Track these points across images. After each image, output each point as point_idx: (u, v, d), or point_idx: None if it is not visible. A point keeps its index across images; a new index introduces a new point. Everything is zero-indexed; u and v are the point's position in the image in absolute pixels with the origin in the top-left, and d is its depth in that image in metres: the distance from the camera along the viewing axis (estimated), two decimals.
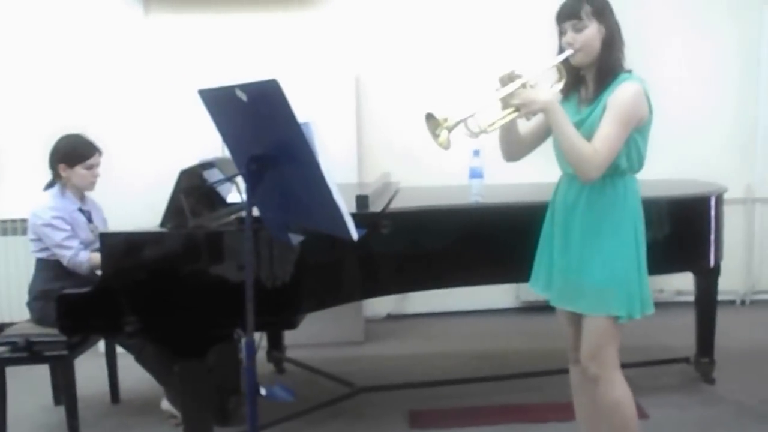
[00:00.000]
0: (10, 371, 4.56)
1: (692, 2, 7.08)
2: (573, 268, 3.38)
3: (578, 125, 3.27)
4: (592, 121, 3.27)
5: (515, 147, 3.55)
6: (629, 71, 3.33)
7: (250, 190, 2.84)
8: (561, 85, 3.41)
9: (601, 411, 3.47)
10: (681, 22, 7.05)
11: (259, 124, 2.80)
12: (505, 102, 3.27)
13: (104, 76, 6.25)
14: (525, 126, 3.49)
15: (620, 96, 3.22)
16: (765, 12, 7.10)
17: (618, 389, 3.41)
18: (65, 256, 4.60)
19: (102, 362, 5.23)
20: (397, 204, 4.52)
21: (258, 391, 2.84)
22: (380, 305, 6.94)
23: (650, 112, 3.31)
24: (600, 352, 3.39)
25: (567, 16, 3.29)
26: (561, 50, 3.32)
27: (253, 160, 2.81)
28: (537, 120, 3.44)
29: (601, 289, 3.31)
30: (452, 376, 5.41)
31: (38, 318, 4.63)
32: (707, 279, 5.10)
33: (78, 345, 4.59)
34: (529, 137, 3.55)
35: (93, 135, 4.92)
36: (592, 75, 3.35)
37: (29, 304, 4.73)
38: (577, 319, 3.48)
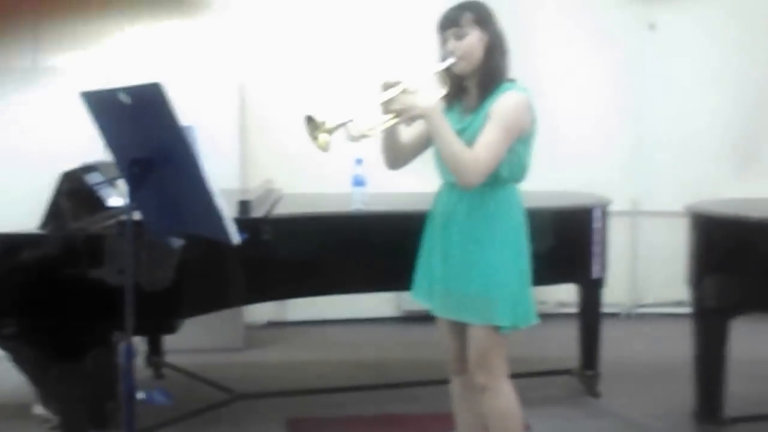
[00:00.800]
0: None
1: (582, 14, 7.19)
2: (453, 277, 3.35)
3: (460, 133, 3.25)
4: (474, 130, 3.24)
5: (397, 154, 3.51)
6: (513, 80, 3.33)
7: (132, 193, 2.82)
8: (442, 92, 3.39)
9: (487, 421, 3.45)
10: (571, 32, 7.16)
11: (141, 127, 2.78)
12: (386, 107, 3.23)
13: None
14: (407, 133, 3.47)
15: (503, 104, 3.21)
16: (652, 25, 7.25)
17: (505, 399, 3.40)
18: None
19: None
20: (279, 210, 4.53)
21: (135, 395, 2.81)
22: (260, 312, 6.91)
23: (534, 122, 3.30)
24: (487, 361, 3.37)
25: (448, 24, 3.28)
26: (443, 59, 3.31)
27: (134, 163, 2.79)
28: (419, 127, 3.40)
29: (483, 299, 3.28)
30: (331, 385, 5.40)
31: None
32: (591, 290, 5.13)
33: None
34: (411, 145, 3.52)
35: None
36: (475, 83, 3.34)
37: None
38: (458, 329, 3.45)
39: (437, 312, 3.51)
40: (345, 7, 7.00)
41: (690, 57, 7.23)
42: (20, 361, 4.59)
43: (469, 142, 3.21)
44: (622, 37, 7.28)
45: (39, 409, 4.70)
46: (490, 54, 3.28)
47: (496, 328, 3.30)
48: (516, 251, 3.34)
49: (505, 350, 3.40)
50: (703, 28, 7.23)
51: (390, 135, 3.42)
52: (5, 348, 4.63)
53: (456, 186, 3.32)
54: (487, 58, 3.28)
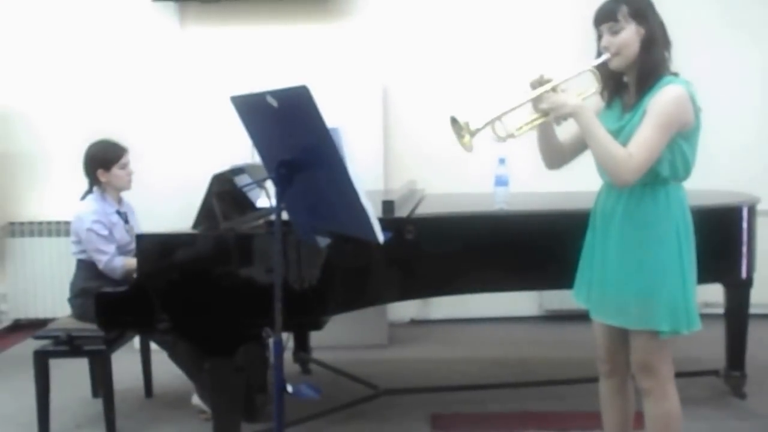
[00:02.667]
0: (53, 363, 4.62)
1: (735, 7, 6.96)
2: (611, 279, 3.24)
3: (619, 131, 3.14)
4: (632, 127, 3.11)
5: (554, 154, 3.42)
6: (675, 74, 3.17)
7: (279, 193, 2.85)
8: (592, 90, 3.28)
9: (649, 423, 3.33)
10: (723, 27, 6.94)
11: (288, 129, 2.81)
12: (534, 106, 3.18)
13: (142, 85, 6.35)
14: (565, 133, 3.37)
15: (660, 99, 3.06)
16: None
17: (669, 402, 3.28)
18: (101, 260, 4.68)
19: (137, 358, 5.30)
20: (422, 210, 4.53)
21: (285, 388, 2.86)
22: (404, 310, 6.96)
23: (697, 117, 3.12)
24: (651, 366, 3.26)
25: (603, 18, 3.15)
26: (599, 54, 3.19)
27: (282, 165, 2.83)
28: (577, 127, 3.24)
29: (642, 303, 3.16)
30: (474, 382, 5.40)
31: (79, 314, 4.71)
32: (739, 291, 4.96)
33: (115, 340, 4.66)
34: (569, 145, 3.41)
35: (130, 141, 5.05)
36: (633, 79, 3.20)
37: (70, 301, 4.81)
38: (614, 332, 3.36)
39: (594, 314, 3.41)
40: (489, 5, 6.97)
41: None
42: (175, 355, 4.76)
43: (627, 140, 3.09)
44: None
45: (196, 399, 4.84)
46: (647, 48, 3.11)
47: (656, 333, 3.18)
48: (677, 253, 3.17)
49: (669, 354, 3.27)
50: None
51: (545, 135, 3.35)
52: (161, 343, 4.81)
53: (614, 185, 3.22)
54: (644, 53, 3.12)
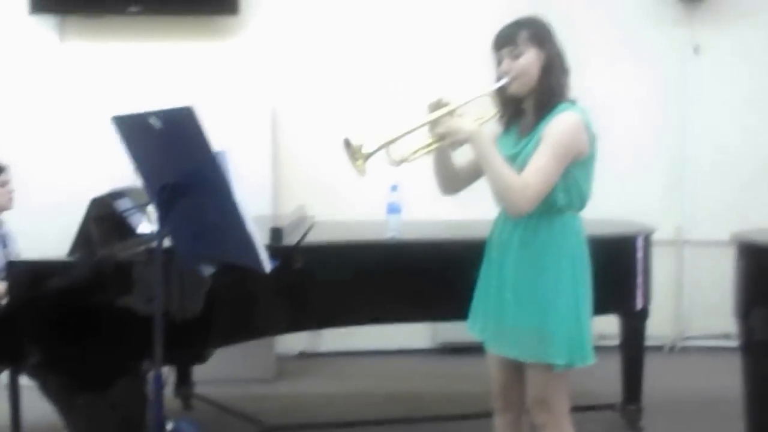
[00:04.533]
0: None
1: (625, 36, 7.11)
2: (506, 311, 3.26)
3: (514, 158, 3.17)
4: (526, 154, 3.15)
5: (450, 180, 3.44)
6: (572, 101, 3.23)
7: (162, 219, 2.83)
8: (489, 115, 3.31)
9: None
10: (613, 55, 7.07)
11: (172, 152, 2.79)
12: (431, 130, 3.19)
13: (19, 100, 6.26)
14: (462, 158, 3.39)
15: (555, 126, 3.11)
16: (696, 48, 7.17)
17: None
18: None
19: (4, 395, 5.12)
20: (312, 237, 4.53)
21: (164, 426, 2.81)
22: (292, 342, 6.91)
23: (592, 145, 3.18)
24: (546, 401, 3.29)
25: (503, 42, 3.19)
26: (498, 79, 3.21)
27: (165, 189, 2.80)
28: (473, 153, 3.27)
29: (537, 335, 3.19)
30: (365, 418, 5.38)
31: None
32: (635, 322, 5.06)
33: None
34: (466, 170, 3.43)
35: (10, 158, 4.93)
36: (532, 104, 3.24)
37: None
38: (509, 366, 3.39)
39: (489, 346, 3.44)
40: (384, 25, 6.99)
41: (734, 80, 7.16)
42: (47, 390, 4.62)
43: (522, 167, 3.13)
44: (666, 60, 7.21)
45: None
46: (547, 73, 3.17)
47: (551, 367, 3.21)
48: (571, 284, 3.22)
49: (565, 387, 3.32)
50: (747, 51, 7.15)
51: (441, 159, 3.37)
52: (32, 376, 4.66)
53: (510, 214, 3.25)
54: (543, 78, 3.18)
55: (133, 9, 6.52)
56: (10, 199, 4.80)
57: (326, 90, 6.93)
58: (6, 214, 4.91)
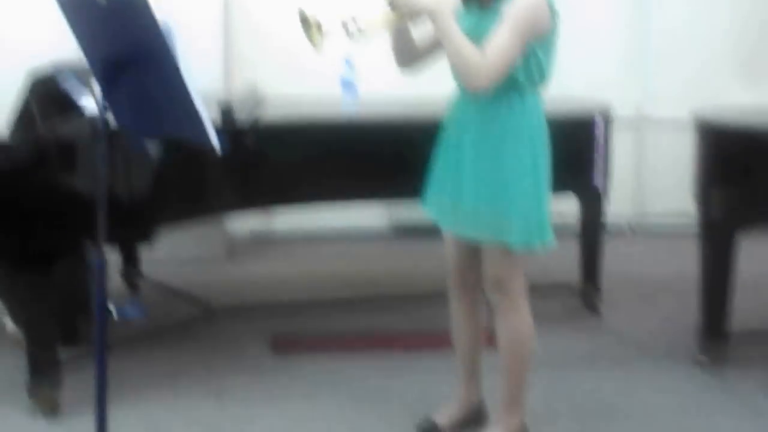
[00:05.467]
0: None
1: None
2: (464, 191, 3.28)
3: (473, 33, 3.13)
4: (486, 29, 3.12)
5: (408, 54, 3.41)
6: None
7: (105, 95, 2.76)
8: None
9: (499, 342, 3.42)
10: None
11: (116, 25, 2.70)
12: (391, 3, 3.14)
13: None
14: (421, 33, 3.35)
15: (517, 4, 3.09)
16: None
17: (520, 317, 3.38)
18: None
19: None
20: (264, 114, 4.45)
21: (107, 308, 2.79)
22: (245, 223, 6.88)
23: (553, 21, 3.17)
24: (502, 281, 3.34)
25: None
26: None
27: (109, 64, 2.73)
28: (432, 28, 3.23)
29: (493, 215, 3.23)
30: (318, 299, 5.41)
31: None
32: (593, 203, 5.08)
33: None
34: (424, 46, 3.40)
35: None
36: None
37: None
38: (465, 247, 3.42)
39: (446, 226, 3.47)
40: None
41: None
42: None
43: (481, 43, 3.09)
44: None
45: (11, 326, 4.67)
46: None
47: (509, 247, 3.24)
48: (531, 164, 3.25)
49: (522, 269, 3.37)
50: None
51: (400, 34, 3.33)
52: None
53: (469, 92, 3.23)
54: None
55: None
56: None
57: None
58: None
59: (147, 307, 4.79)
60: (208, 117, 2.63)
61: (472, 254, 3.42)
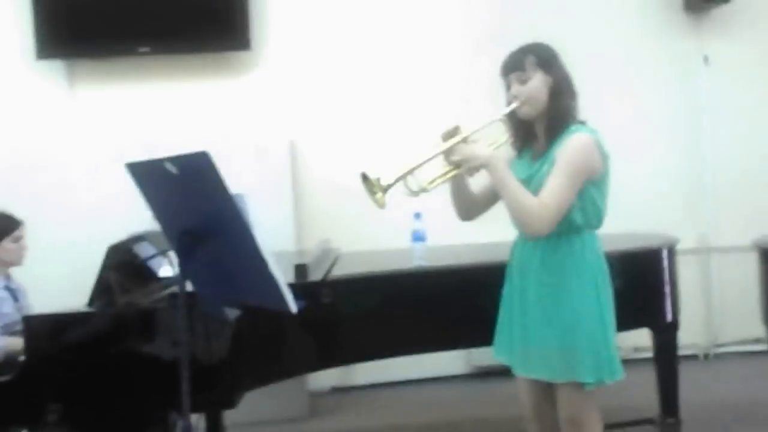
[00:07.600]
0: None
1: (637, 53, 7.24)
2: (532, 332, 3.33)
3: (528, 180, 3.27)
4: (541, 176, 3.26)
5: (468, 206, 3.54)
6: (582, 122, 3.34)
7: (183, 264, 2.82)
8: (503, 140, 3.43)
9: None
10: (626, 71, 7.19)
11: (190, 196, 2.80)
12: (446, 158, 3.29)
13: (28, 151, 6.31)
14: (478, 185, 3.48)
15: (568, 147, 3.23)
16: (706, 58, 7.29)
17: None
18: None
19: None
20: (338, 271, 4.53)
21: None
22: (324, 378, 6.89)
23: (605, 164, 3.29)
24: (578, 420, 3.35)
25: (511, 68, 3.33)
26: (508, 104, 3.34)
27: (185, 234, 2.80)
28: (489, 178, 3.37)
29: (564, 354, 3.26)
30: None
31: None
32: (666, 334, 5.03)
33: None
34: (482, 196, 3.53)
35: (21, 211, 4.92)
36: (543, 128, 3.36)
37: None
38: (539, 389, 3.45)
39: (517, 370, 3.49)
40: (398, 56, 7.04)
41: (745, 87, 7.30)
42: None
43: (537, 189, 3.22)
44: (679, 72, 7.36)
45: None
46: (555, 97, 3.30)
47: (581, 385, 3.26)
48: (595, 301, 3.29)
49: (595, 405, 3.37)
50: (756, 58, 7.32)
51: (458, 187, 3.46)
52: None
53: (529, 236, 3.33)
54: (552, 101, 3.30)
55: (142, 49, 6.53)
56: (21, 256, 4.82)
57: (344, 121, 6.96)
58: (20, 267, 4.90)
59: None
60: (284, 280, 2.68)
61: (545, 394, 3.44)
